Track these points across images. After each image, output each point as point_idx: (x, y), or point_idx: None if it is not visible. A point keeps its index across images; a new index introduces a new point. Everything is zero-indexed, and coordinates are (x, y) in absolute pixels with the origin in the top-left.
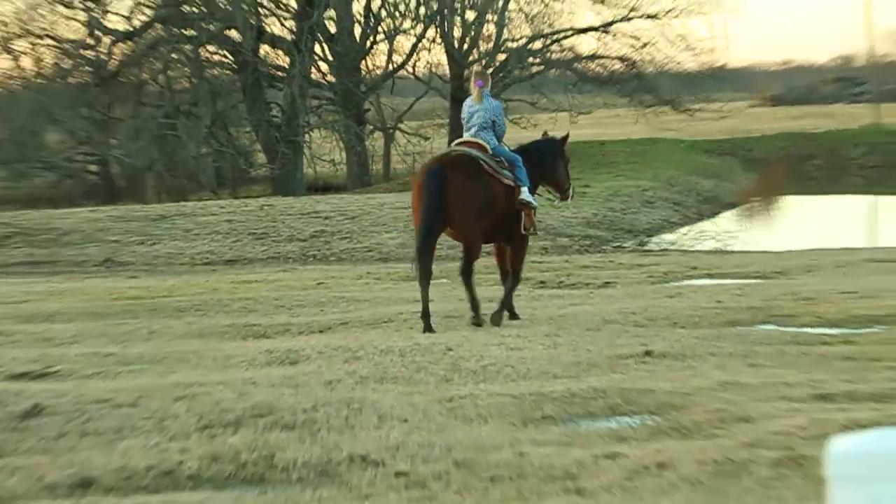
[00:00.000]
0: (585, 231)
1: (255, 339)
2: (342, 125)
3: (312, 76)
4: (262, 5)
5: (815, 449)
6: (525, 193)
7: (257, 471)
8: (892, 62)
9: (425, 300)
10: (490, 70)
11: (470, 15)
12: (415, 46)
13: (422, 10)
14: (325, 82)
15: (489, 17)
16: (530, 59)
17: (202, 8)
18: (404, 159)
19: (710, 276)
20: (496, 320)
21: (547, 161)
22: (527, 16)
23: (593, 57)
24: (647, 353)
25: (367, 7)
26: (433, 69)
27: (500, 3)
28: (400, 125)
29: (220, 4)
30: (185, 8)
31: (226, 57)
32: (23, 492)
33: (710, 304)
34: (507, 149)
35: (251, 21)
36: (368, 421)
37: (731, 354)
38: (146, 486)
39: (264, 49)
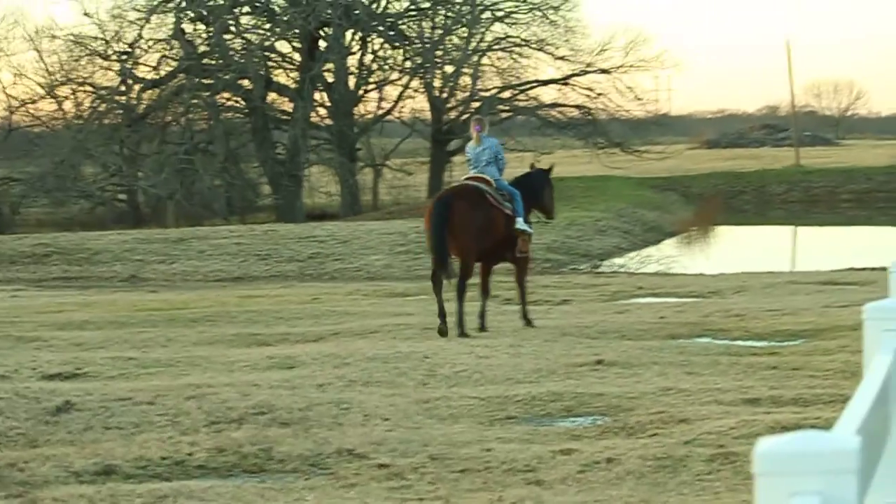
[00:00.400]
0: (546, 255)
1: (258, 347)
2: (337, 162)
3: (312, 119)
4: (270, 59)
5: (744, 447)
6: (520, 223)
7: (257, 462)
8: (810, 112)
9: (441, 304)
10: (465, 117)
11: (449, 68)
12: (401, 94)
13: (407, 63)
14: (323, 125)
15: (465, 70)
16: (500, 107)
17: (219, 60)
18: (390, 191)
19: (654, 294)
20: (528, 324)
21: (537, 190)
22: (497, 69)
23: (554, 105)
24: (599, 362)
25: (361, 60)
26: (416, 114)
27: (475, 59)
28: (387, 162)
29: (235, 58)
30: (205, 60)
31: (238, 102)
32: (54, 477)
33: (653, 319)
34: (506, 183)
35: (261, 72)
36: (355, 419)
37: (672, 363)
38: (160, 474)
39: (271, 96)
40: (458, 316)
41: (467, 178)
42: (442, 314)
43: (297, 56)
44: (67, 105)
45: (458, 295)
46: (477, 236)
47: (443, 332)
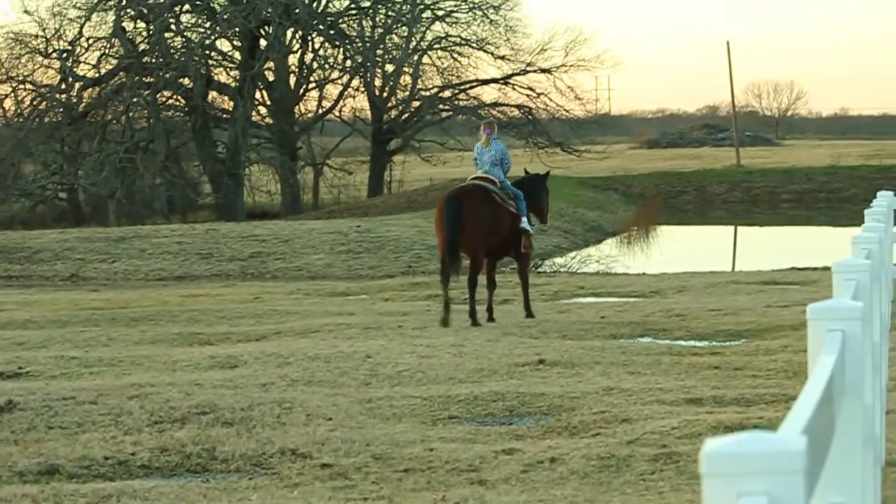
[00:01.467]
0: None
1: (200, 346)
2: (278, 161)
3: (253, 118)
4: (210, 57)
5: (687, 446)
6: (524, 222)
7: (201, 462)
8: (750, 112)
9: (446, 297)
10: (405, 116)
11: (389, 67)
12: (341, 94)
13: (348, 62)
14: (264, 124)
15: (406, 69)
16: (441, 106)
17: (159, 59)
18: (331, 190)
19: (595, 294)
20: (529, 315)
21: (536, 194)
22: (438, 69)
23: (495, 104)
24: (541, 362)
25: (301, 59)
26: (357, 113)
27: (416, 58)
28: (327, 161)
29: (175, 56)
30: (145, 59)
31: (179, 101)
32: None
33: (595, 319)
34: (510, 184)
35: (201, 71)
36: (298, 419)
37: (614, 363)
38: (104, 474)
39: (212, 95)
40: (471, 308)
41: (474, 178)
42: (447, 306)
43: (237, 55)
44: (7, 103)
45: (469, 289)
46: (487, 233)
47: (446, 322)
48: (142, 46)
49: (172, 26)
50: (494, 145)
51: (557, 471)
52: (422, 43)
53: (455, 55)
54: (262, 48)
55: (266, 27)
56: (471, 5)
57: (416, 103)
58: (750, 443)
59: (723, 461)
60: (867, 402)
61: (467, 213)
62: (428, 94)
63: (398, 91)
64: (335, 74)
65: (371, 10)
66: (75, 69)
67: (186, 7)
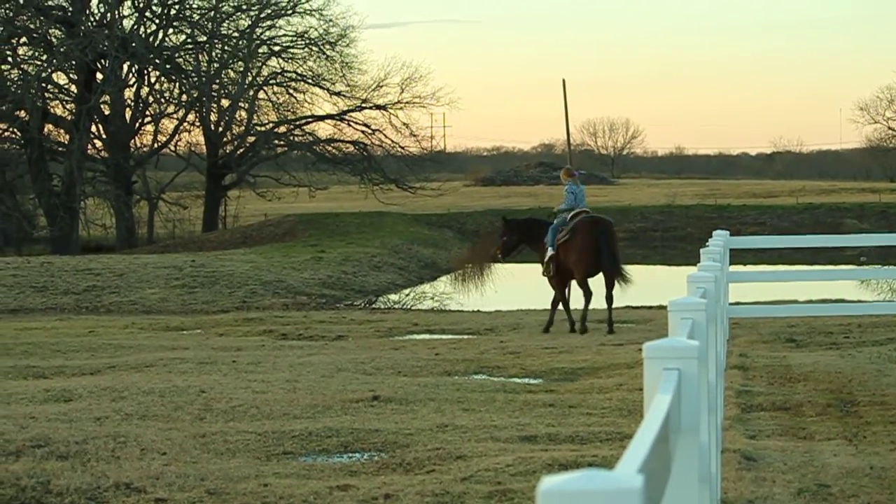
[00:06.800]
0: (321, 290)
1: (35, 379)
2: (113, 194)
3: (88, 152)
4: (47, 90)
5: (521, 483)
6: None
7: (35, 495)
8: (585, 150)
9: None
10: (241, 151)
11: (225, 102)
12: (177, 128)
13: (184, 97)
14: (100, 157)
15: (241, 104)
16: (276, 141)
17: None
18: (166, 225)
19: (430, 331)
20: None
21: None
22: (274, 104)
23: (330, 140)
24: (375, 398)
25: (137, 93)
26: (192, 148)
27: (252, 93)
28: (163, 196)
29: (11, 88)
30: None
31: (14, 133)
32: None
33: (429, 355)
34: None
35: (38, 103)
36: (132, 453)
37: (448, 400)
38: None
39: (48, 127)
40: (573, 319)
41: (582, 211)
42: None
43: (74, 88)
44: None
45: (567, 306)
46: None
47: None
48: None
49: (9, 58)
50: (581, 186)
51: None
52: (258, 78)
53: (291, 91)
54: (99, 81)
55: (102, 60)
56: (307, 41)
57: (251, 138)
58: (587, 480)
59: (560, 498)
60: (703, 440)
61: (613, 239)
62: (263, 129)
63: (234, 126)
64: (171, 109)
65: (207, 45)
66: None
67: (23, 39)
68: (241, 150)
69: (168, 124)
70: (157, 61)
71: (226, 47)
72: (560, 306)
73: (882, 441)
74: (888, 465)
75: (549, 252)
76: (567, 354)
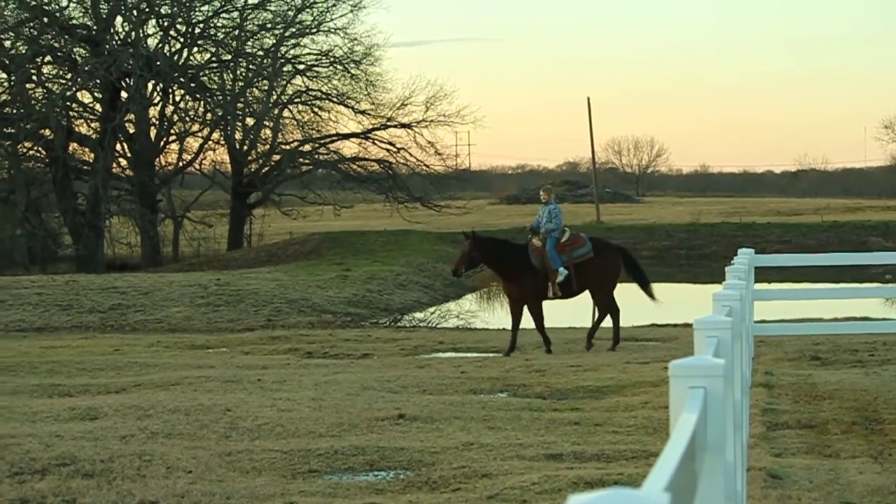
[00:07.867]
0: (347, 309)
1: (60, 398)
2: (138, 213)
3: (113, 170)
4: (71, 109)
5: (547, 502)
6: None
7: None
8: (610, 168)
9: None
10: (265, 169)
11: (250, 121)
12: (202, 146)
13: (208, 115)
14: (124, 176)
15: (266, 122)
16: (301, 160)
17: (20, 109)
18: (191, 243)
19: (455, 349)
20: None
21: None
22: (298, 123)
23: (355, 159)
24: (401, 416)
25: (162, 112)
26: (217, 166)
27: (276, 111)
28: (188, 214)
29: (36, 107)
30: (6, 109)
31: (40, 152)
32: None
33: (454, 374)
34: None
35: (62, 122)
36: (158, 471)
37: (474, 418)
38: None
39: (73, 146)
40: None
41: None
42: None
43: (98, 107)
44: None
45: (614, 318)
46: None
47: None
48: (2, 97)
49: (34, 77)
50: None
51: None
52: (282, 97)
53: (316, 109)
54: (123, 100)
55: (127, 79)
56: (332, 59)
57: (276, 157)
58: (613, 498)
59: None
60: (729, 459)
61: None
62: (288, 147)
63: (258, 144)
64: (196, 127)
65: (232, 64)
66: None
67: (48, 58)
68: (266, 169)
69: (193, 143)
70: (182, 80)
71: (250, 66)
72: (516, 327)
73: None
74: None
75: (562, 274)
76: (592, 372)
